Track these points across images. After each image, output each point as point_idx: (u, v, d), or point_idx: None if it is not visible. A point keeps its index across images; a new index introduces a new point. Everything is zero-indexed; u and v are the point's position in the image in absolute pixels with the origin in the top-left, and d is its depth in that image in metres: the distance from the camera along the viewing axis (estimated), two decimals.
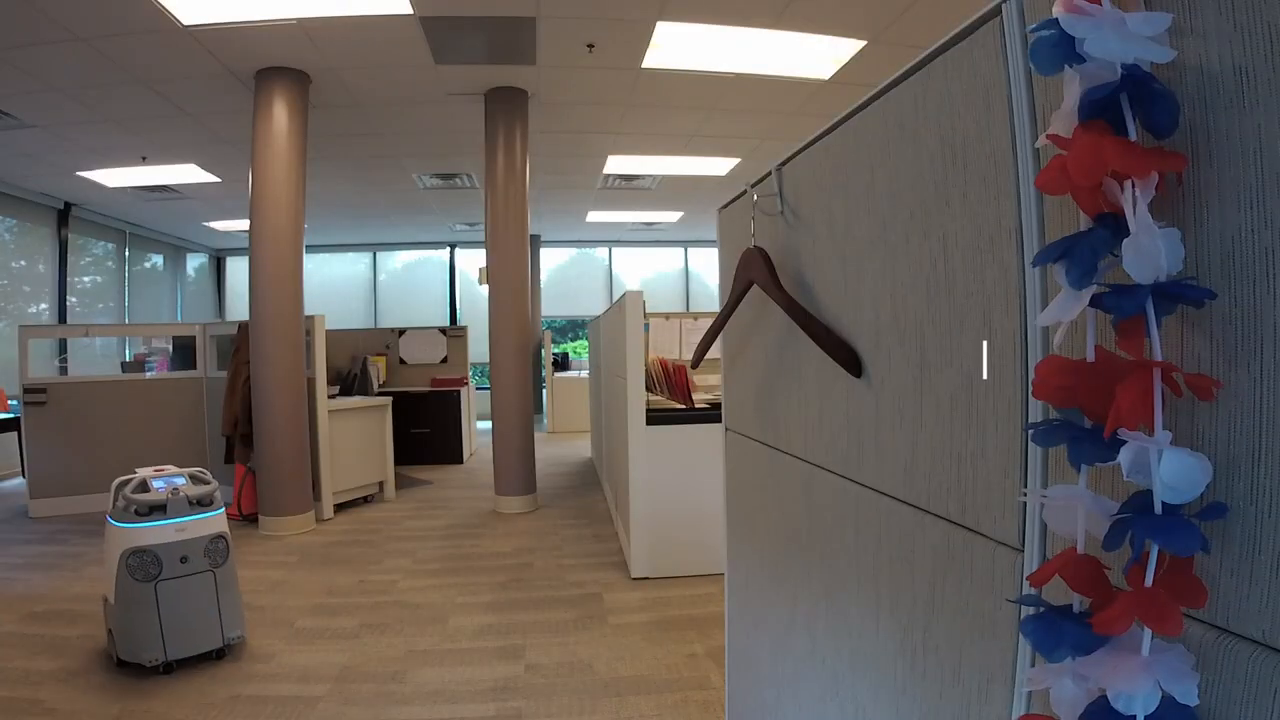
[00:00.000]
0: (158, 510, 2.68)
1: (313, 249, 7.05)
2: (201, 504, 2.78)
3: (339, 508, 5.45)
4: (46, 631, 3.15)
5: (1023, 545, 0.65)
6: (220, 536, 2.79)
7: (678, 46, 4.61)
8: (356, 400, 5.76)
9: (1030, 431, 0.57)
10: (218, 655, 2.81)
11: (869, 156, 0.95)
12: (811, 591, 1.17)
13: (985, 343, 0.71)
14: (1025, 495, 0.64)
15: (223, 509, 2.86)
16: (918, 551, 0.84)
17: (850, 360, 1.00)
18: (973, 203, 0.72)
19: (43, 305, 8.29)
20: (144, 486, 2.73)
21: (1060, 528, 0.54)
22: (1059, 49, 0.50)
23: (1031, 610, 0.53)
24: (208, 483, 2.82)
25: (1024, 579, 0.64)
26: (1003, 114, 0.67)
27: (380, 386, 7.38)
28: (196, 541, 2.71)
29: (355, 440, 5.61)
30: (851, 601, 1.02)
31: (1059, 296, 0.52)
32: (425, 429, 7.66)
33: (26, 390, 5.42)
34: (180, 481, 2.80)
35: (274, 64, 4.78)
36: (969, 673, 0.73)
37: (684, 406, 4.04)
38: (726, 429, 1.70)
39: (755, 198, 1.33)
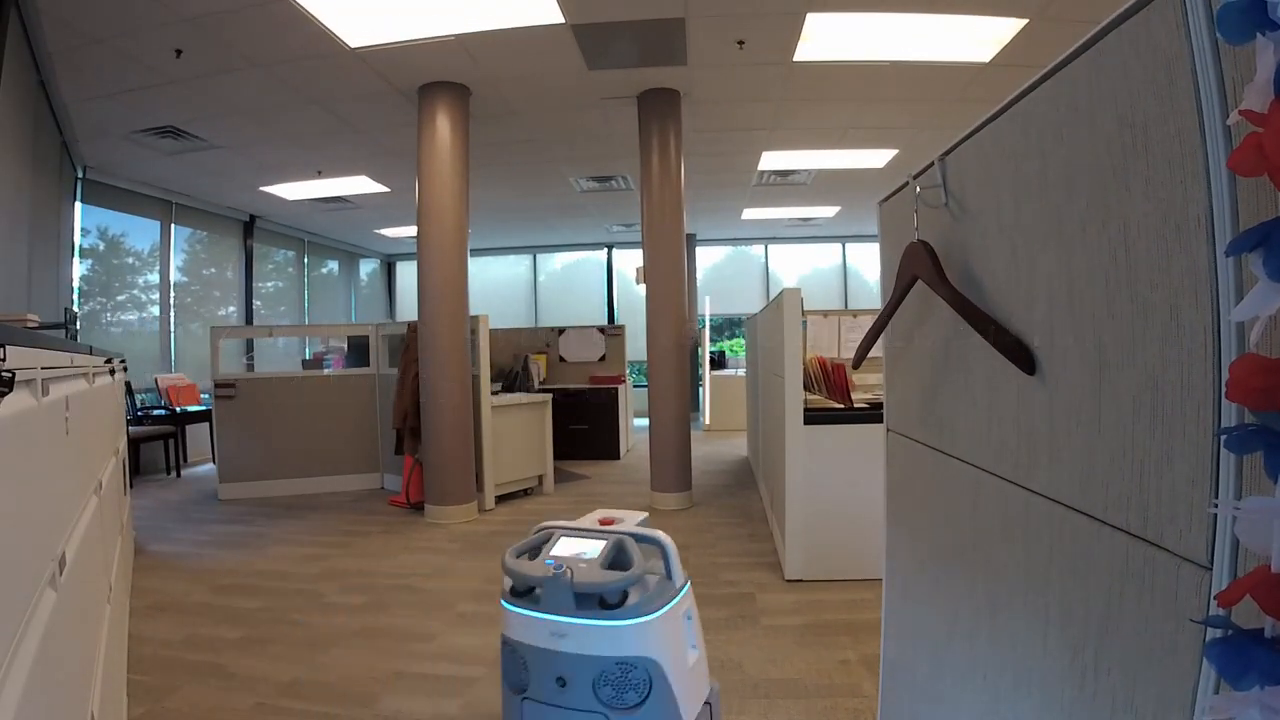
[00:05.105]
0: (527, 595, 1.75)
1: (476, 252, 7.51)
2: (608, 604, 1.66)
3: (500, 499, 5.71)
4: (230, 603, 3.51)
5: (1211, 563, 0.59)
6: (631, 665, 1.63)
7: (829, 37, 4.48)
8: (518, 397, 6.04)
9: (1223, 437, 0.52)
10: None
11: (1039, 142, 0.90)
12: (974, 602, 1.12)
13: (1173, 340, 0.65)
14: (1216, 507, 0.58)
15: (655, 614, 1.67)
16: (1093, 565, 0.78)
17: (1023, 357, 0.95)
18: (1156, 187, 0.67)
19: (231, 308, 9.42)
20: (536, 550, 1.86)
21: (1254, 544, 0.49)
22: (1249, 14, 0.45)
23: (1218, 633, 0.48)
24: (629, 566, 1.70)
25: (1211, 599, 0.58)
26: (1188, 89, 0.61)
27: (540, 384, 7.72)
28: (585, 661, 1.63)
29: (517, 435, 5.88)
30: (1017, 615, 0.96)
31: (1255, 289, 0.47)
32: (584, 425, 7.92)
33: (217, 385, 6.08)
34: (592, 554, 1.76)
35: (435, 79, 5.10)
36: (1144, 699, 0.67)
37: (843, 406, 3.94)
38: (888, 430, 1.65)
39: (918, 189, 1.29)
